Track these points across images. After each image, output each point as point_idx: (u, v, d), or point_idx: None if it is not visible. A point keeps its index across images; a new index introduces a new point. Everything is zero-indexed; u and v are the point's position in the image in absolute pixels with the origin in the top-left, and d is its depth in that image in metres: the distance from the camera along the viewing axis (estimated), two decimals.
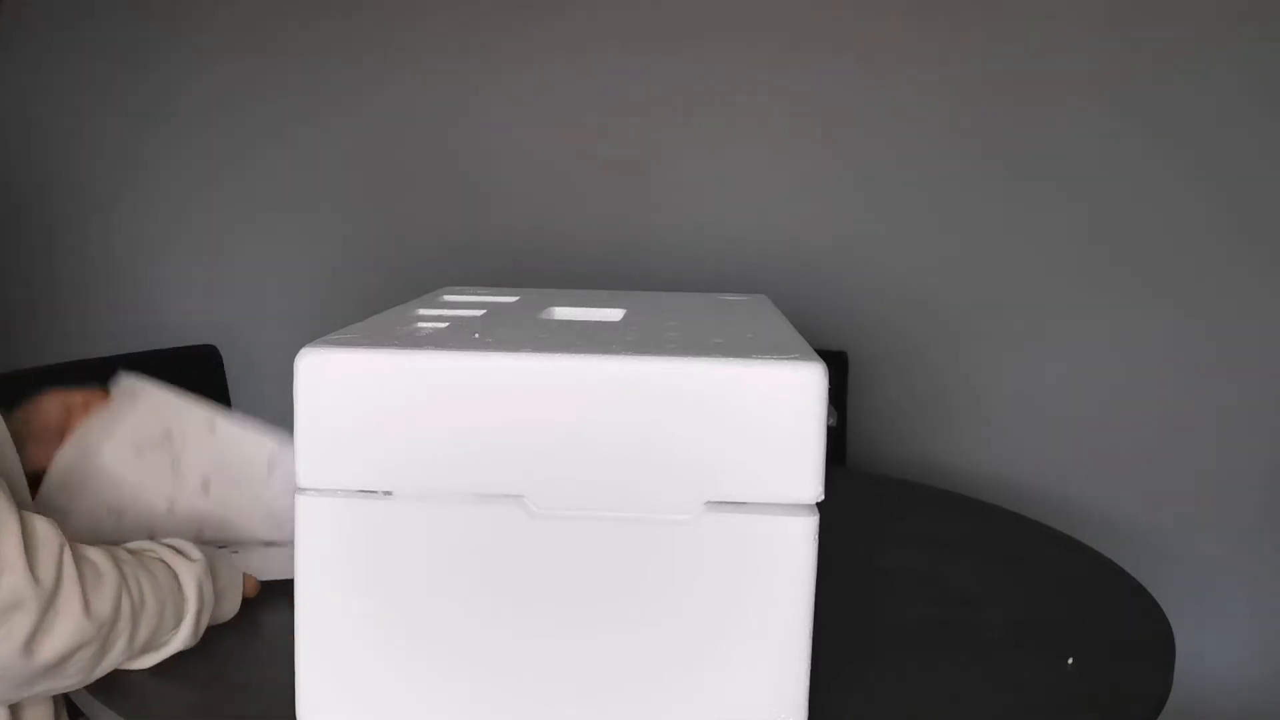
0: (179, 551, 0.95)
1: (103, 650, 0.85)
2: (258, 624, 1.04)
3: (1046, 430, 2.18)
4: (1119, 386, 2.15)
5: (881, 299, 2.23)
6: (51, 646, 0.80)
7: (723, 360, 0.77)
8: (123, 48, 2.48)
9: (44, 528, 0.81)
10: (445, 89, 2.37)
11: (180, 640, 0.93)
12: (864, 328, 2.22)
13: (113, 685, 0.91)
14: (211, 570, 0.96)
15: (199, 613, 0.93)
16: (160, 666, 0.92)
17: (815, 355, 0.79)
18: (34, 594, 0.78)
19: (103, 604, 0.83)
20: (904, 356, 2.24)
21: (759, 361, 0.77)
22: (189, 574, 0.93)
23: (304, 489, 0.79)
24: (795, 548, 0.78)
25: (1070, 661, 1.02)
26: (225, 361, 1.90)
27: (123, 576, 0.85)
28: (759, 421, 0.76)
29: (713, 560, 0.78)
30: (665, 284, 1.41)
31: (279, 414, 1.18)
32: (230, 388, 1.90)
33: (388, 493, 0.79)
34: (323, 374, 0.78)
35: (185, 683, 0.94)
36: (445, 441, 0.78)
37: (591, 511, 0.78)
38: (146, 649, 0.91)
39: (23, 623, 0.78)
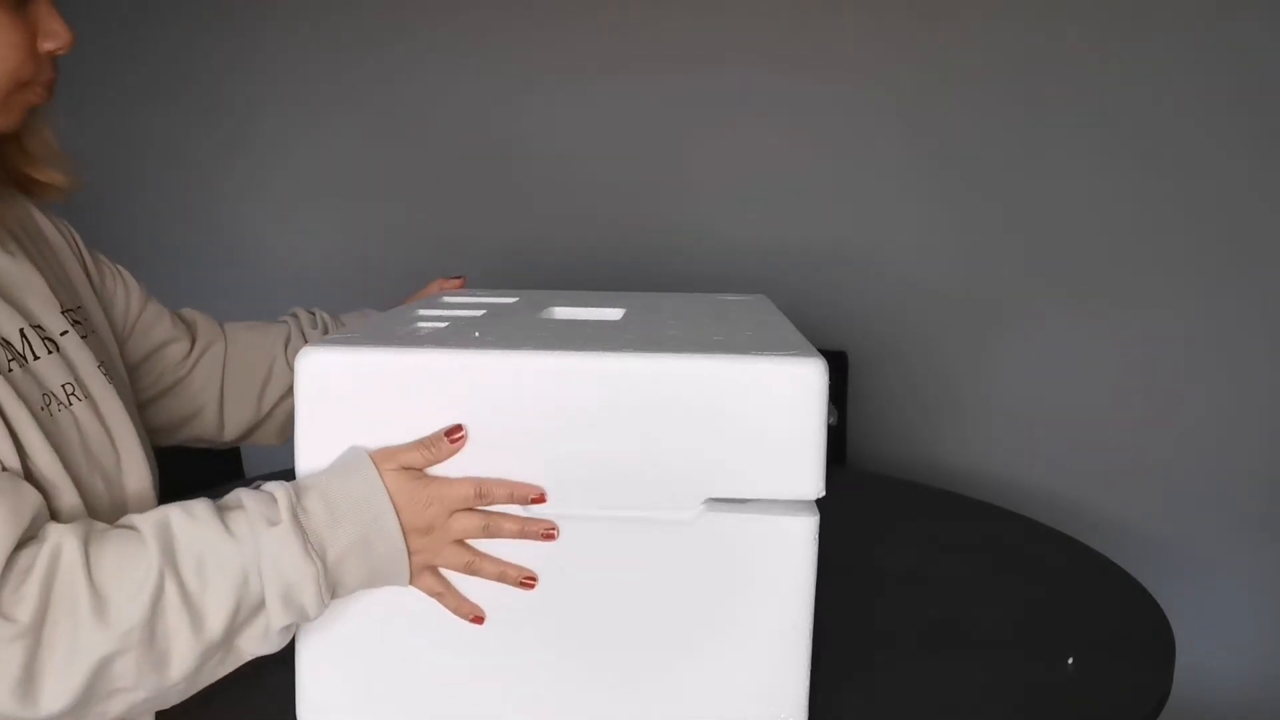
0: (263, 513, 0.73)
1: (150, 650, 0.69)
2: None
3: (1047, 431, 2.18)
4: (1119, 387, 2.15)
5: (881, 299, 2.23)
6: (56, 684, 0.67)
7: (723, 357, 0.77)
8: (126, 40, 2.48)
9: (26, 552, 0.68)
10: (446, 95, 2.37)
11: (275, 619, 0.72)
12: (864, 328, 2.22)
13: None
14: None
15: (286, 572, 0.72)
16: None
17: (815, 351, 0.78)
18: (7, 632, 0.66)
19: (127, 604, 0.68)
20: (904, 356, 2.24)
21: (759, 358, 0.76)
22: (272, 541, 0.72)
23: None
24: (796, 547, 0.78)
25: (1070, 661, 1.02)
26: None
27: (167, 552, 0.70)
28: (760, 418, 0.76)
29: (713, 560, 0.78)
30: (665, 286, 1.41)
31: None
32: None
33: None
34: (324, 373, 0.78)
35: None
36: None
37: (593, 511, 0.78)
38: (234, 634, 0.72)
39: (1, 665, 0.65)
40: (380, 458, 0.76)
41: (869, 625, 1.10)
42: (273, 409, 1.08)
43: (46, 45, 0.79)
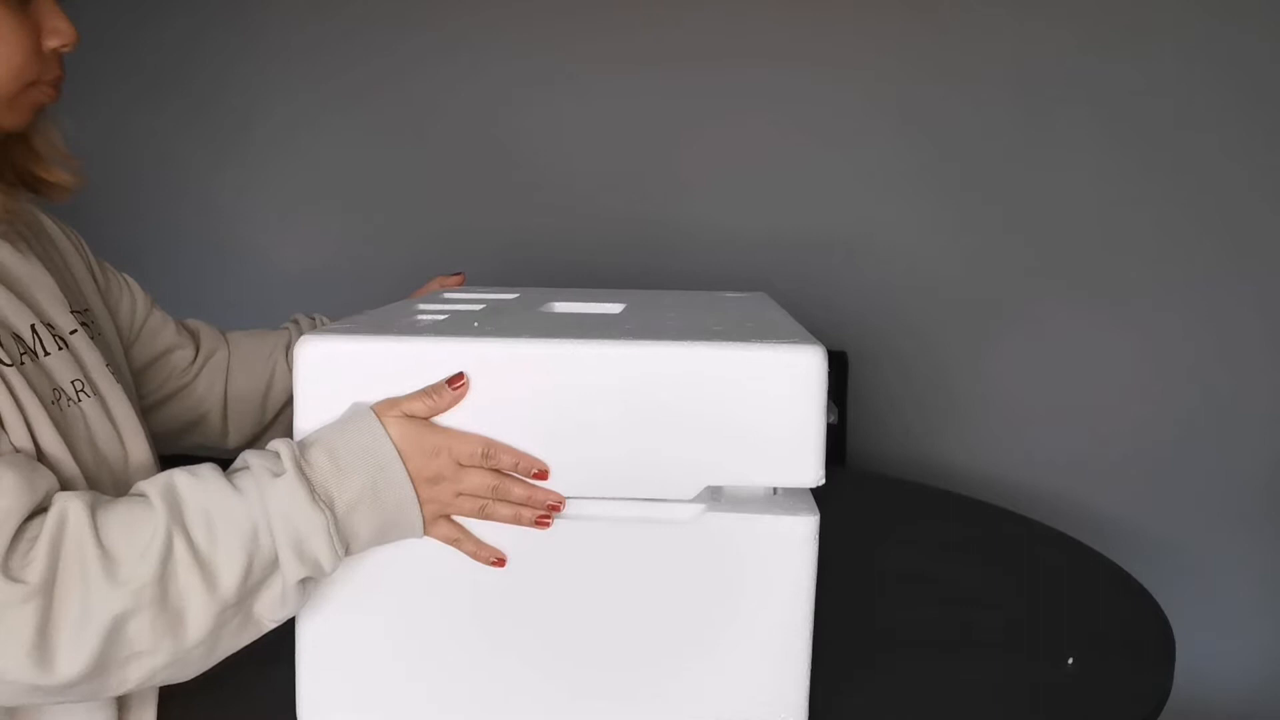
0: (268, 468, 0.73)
1: (165, 610, 0.68)
2: None
3: (1047, 431, 2.18)
4: (1119, 388, 2.14)
5: (881, 299, 2.23)
6: (71, 646, 0.66)
7: (723, 344, 0.76)
8: (126, 41, 2.48)
9: (35, 521, 0.68)
10: (446, 95, 2.37)
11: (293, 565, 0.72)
12: (864, 328, 2.22)
13: None
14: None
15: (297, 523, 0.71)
16: None
17: (814, 339, 0.78)
18: (17, 594, 0.65)
19: (136, 562, 0.68)
20: (904, 357, 2.24)
21: (759, 345, 0.76)
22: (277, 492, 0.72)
23: None
24: (796, 547, 0.78)
25: (1070, 661, 1.01)
26: None
27: (175, 512, 0.70)
28: (760, 405, 0.75)
29: (713, 560, 0.78)
30: (665, 284, 1.40)
31: None
32: None
33: None
34: (323, 362, 0.77)
35: (185, 681, 0.94)
36: None
37: (592, 499, 0.78)
38: (253, 589, 0.72)
39: (14, 629, 0.65)
40: (383, 408, 0.76)
41: (869, 625, 1.10)
42: (277, 415, 1.08)
43: (51, 43, 0.79)
